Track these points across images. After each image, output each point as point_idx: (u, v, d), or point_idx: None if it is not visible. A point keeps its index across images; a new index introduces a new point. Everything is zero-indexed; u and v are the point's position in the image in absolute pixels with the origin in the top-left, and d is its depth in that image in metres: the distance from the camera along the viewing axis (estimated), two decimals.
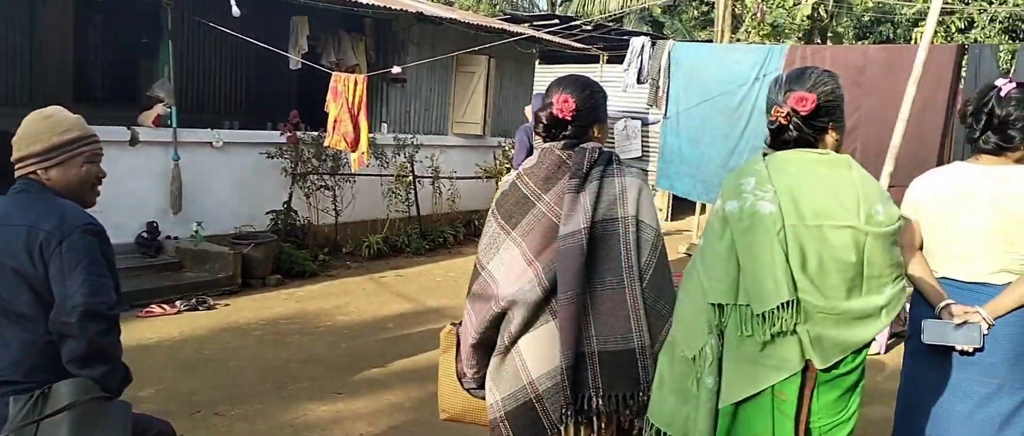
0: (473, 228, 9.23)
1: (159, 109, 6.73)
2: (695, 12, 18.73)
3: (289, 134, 7.20)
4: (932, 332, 2.52)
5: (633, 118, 11.56)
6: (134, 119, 6.73)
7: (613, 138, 11.87)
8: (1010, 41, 12.79)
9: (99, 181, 2.17)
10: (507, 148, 9.75)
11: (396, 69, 7.67)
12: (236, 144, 7.29)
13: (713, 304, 1.95)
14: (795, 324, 1.88)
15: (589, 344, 2.00)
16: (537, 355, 2.02)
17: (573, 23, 11.63)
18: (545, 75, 12.74)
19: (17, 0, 7.47)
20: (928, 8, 11.05)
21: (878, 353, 5.32)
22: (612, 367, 2.00)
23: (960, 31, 13.15)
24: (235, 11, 6.57)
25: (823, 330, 1.88)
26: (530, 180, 2.12)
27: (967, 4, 12.53)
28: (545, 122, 2.12)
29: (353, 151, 6.97)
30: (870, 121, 5.23)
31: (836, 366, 1.91)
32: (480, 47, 8.50)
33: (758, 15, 9.43)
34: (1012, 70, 4.97)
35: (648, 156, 10.83)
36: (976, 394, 2.50)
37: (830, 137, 2.00)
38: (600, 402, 2.01)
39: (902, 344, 2.76)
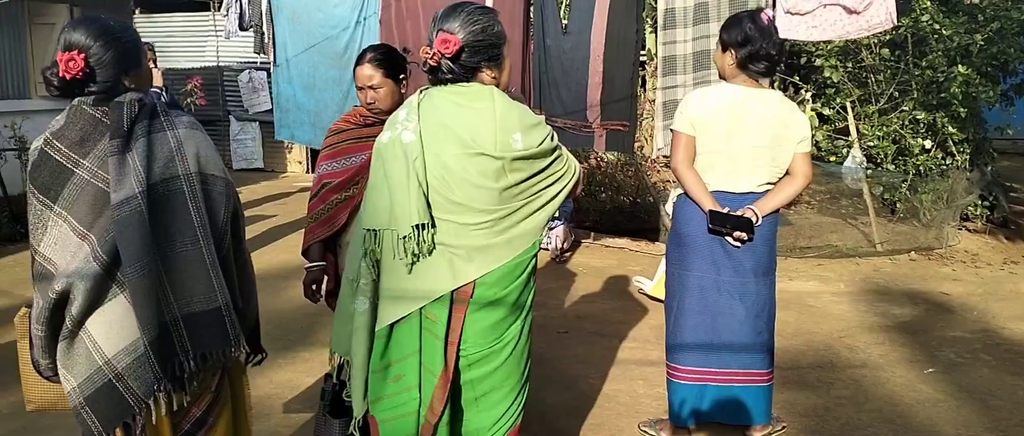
0: None
1: None
2: None
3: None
4: (717, 220, 2.88)
5: (258, 69, 11.06)
6: None
7: (239, 91, 11.28)
8: None
9: None
10: None
11: None
12: None
13: (366, 229, 2.06)
14: (432, 246, 2.01)
15: (170, 310, 1.88)
16: (110, 332, 1.86)
17: None
18: (147, 25, 11.53)
19: None
20: None
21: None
22: (200, 327, 1.92)
23: None
24: None
25: (473, 247, 2.02)
26: (61, 144, 1.88)
27: None
28: (57, 84, 1.86)
29: None
30: None
31: (491, 292, 2.06)
32: None
33: None
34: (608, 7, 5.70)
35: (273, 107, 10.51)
36: (728, 270, 2.96)
37: (486, 75, 2.09)
38: (192, 364, 1.92)
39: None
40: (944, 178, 6.95)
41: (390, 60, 2.81)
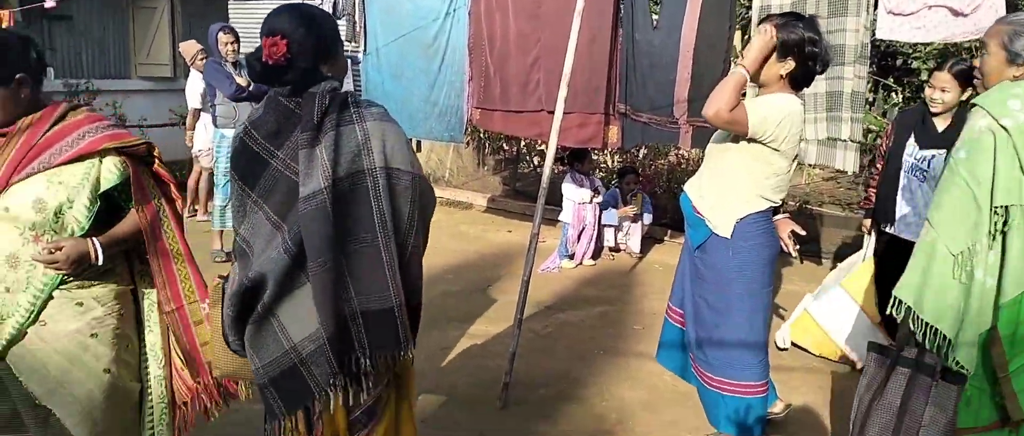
0: (177, 179, 8.46)
1: None
2: None
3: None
4: None
5: (347, 57, 11.32)
6: None
7: None
8: None
9: None
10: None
11: (50, 2, 6.69)
12: None
13: (998, 206, 2.19)
14: None
15: (350, 305, 1.90)
16: (296, 319, 1.90)
17: None
18: (241, 10, 11.90)
19: None
20: None
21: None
22: (376, 326, 1.93)
23: None
24: None
25: None
26: (259, 135, 1.92)
27: None
28: (259, 70, 1.89)
29: None
30: (549, 53, 5.70)
31: None
32: None
33: None
34: (660, 8, 5.69)
35: (359, 95, 10.74)
36: None
37: None
38: (367, 363, 1.94)
39: None
40: None
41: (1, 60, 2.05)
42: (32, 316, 2.08)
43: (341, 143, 1.87)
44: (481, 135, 8.72)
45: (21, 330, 2.07)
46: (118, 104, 8.23)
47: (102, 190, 2.12)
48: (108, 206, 2.18)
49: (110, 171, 2.13)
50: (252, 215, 1.94)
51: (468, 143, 8.53)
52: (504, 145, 9.01)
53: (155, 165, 2.32)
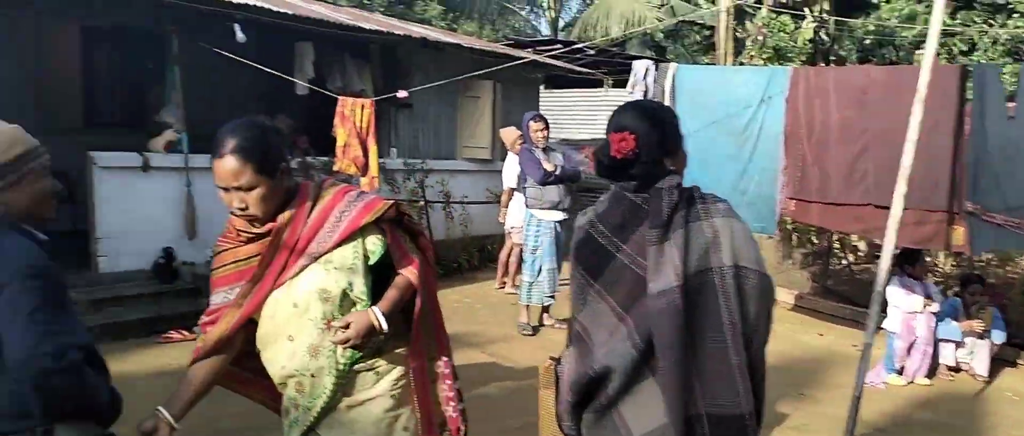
0: (487, 253, 9.18)
1: (169, 135, 6.76)
2: (697, 37, 18.79)
3: (298, 160, 7.24)
4: None
5: None
6: (145, 144, 6.77)
7: None
8: (1013, 62, 12.76)
9: (55, 195, 1.95)
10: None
11: (402, 93, 7.71)
12: None
13: None
14: None
15: (696, 406, 1.83)
16: (638, 413, 1.88)
17: (576, 46, 11.71)
18: (551, 98, 12.79)
19: (24, 27, 7.52)
20: (928, 30, 11.07)
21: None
22: (722, 431, 1.84)
23: (962, 53, 13.15)
24: (239, 37, 6.64)
25: None
26: (604, 228, 1.95)
27: (968, 26, 12.57)
28: (607, 164, 1.94)
29: (363, 175, 6.99)
30: (878, 142, 5.22)
31: None
32: (485, 71, 8.55)
33: (759, 39, 9.47)
34: (1017, 91, 4.98)
35: None
36: None
37: None
38: None
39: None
40: None
41: (261, 147, 2.09)
42: (337, 392, 2.19)
43: (691, 240, 1.83)
44: (787, 226, 8.23)
45: (330, 404, 2.20)
46: (445, 182, 9.14)
47: (371, 263, 2.20)
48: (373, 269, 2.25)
49: (374, 244, 2.21)
50: (593, 304, 1.94)
51: (772, 235, 8.09)
52: (813, 238, 8.40)
53: (405, 220, 2.35)
